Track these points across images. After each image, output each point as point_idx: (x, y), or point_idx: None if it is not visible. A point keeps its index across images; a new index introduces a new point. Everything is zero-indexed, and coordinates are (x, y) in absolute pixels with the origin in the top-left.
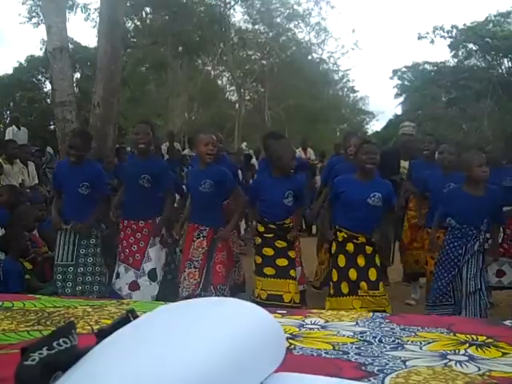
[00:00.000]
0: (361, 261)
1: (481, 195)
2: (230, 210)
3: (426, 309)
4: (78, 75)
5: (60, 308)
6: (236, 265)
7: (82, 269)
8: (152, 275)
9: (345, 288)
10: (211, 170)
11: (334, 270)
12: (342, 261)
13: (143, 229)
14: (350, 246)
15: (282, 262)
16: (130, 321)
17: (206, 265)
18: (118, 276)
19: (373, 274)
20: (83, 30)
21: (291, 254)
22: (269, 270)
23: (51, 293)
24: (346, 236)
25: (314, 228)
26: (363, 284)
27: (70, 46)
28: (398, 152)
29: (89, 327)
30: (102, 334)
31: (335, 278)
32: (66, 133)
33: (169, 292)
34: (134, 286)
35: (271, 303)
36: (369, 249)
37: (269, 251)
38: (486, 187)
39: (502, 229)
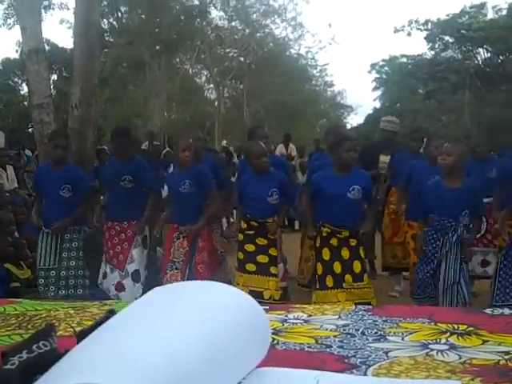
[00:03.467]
0: (345, 253)
1: (457, 187)
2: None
3: (413, 301)
4: (55, 77)
5: (41, 311)
6: (221, 264)
7: (64, 272)
8: (135, 276)
9: (329, 281)
10: (190, 170)
11: (318, 263)
12: (326, 254)
13: (127, 230)
14: (334, 241)
15: (262, 258)
16: None
17: (188, 265)
18: (104, 276)
19: (357, 267)
20: (60, 32)
21: (272, 251)
22: (250, 266)
23: (32, 298)
24: (329, 231)
25: (296, 224)
26: (348, 277)
27: (47, 47)
28: (378, 147)
29: (71, 329)
30: (82, 335)
31: (320, 272)
32: (44, 135)
33: None
34: (119, 287)
35: None
36: (353, 241)
37: (250, 247)
38: (464, 180)
39: (485, 219)
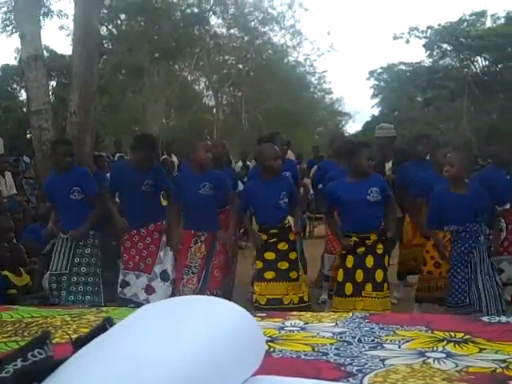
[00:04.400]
0: (369, 261)
1: (465, 194)
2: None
3: (447, 310)
4: (53, 83)
5: (38, 318)
6: (231, 268)
7: (75, 278)
8: (164, 276)
9: (348, 289)
10: (209, 173)
11: (340, 269)
12: (350, 261)
13: (153, 232)
14: (361, 249)
15: (282, 265)
16: (106, 329)
17: (205, 269)
18: (126, 284)
19: (379, 276)
20: (59, 39)
21: (292, 255)
22: (269, 274)
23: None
24: (357, 240)
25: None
26: (368, 285)
27: (46, 54)
28: (382, 158)
29: (67, 336)
30: (79, 342)
31: (340, 278)
32: (42, 142)
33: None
34: (149, 290)
35: (271, 307)
36: (380, 247)
37: (270, 255)
38: (468, 186)
39: (505, 225)
